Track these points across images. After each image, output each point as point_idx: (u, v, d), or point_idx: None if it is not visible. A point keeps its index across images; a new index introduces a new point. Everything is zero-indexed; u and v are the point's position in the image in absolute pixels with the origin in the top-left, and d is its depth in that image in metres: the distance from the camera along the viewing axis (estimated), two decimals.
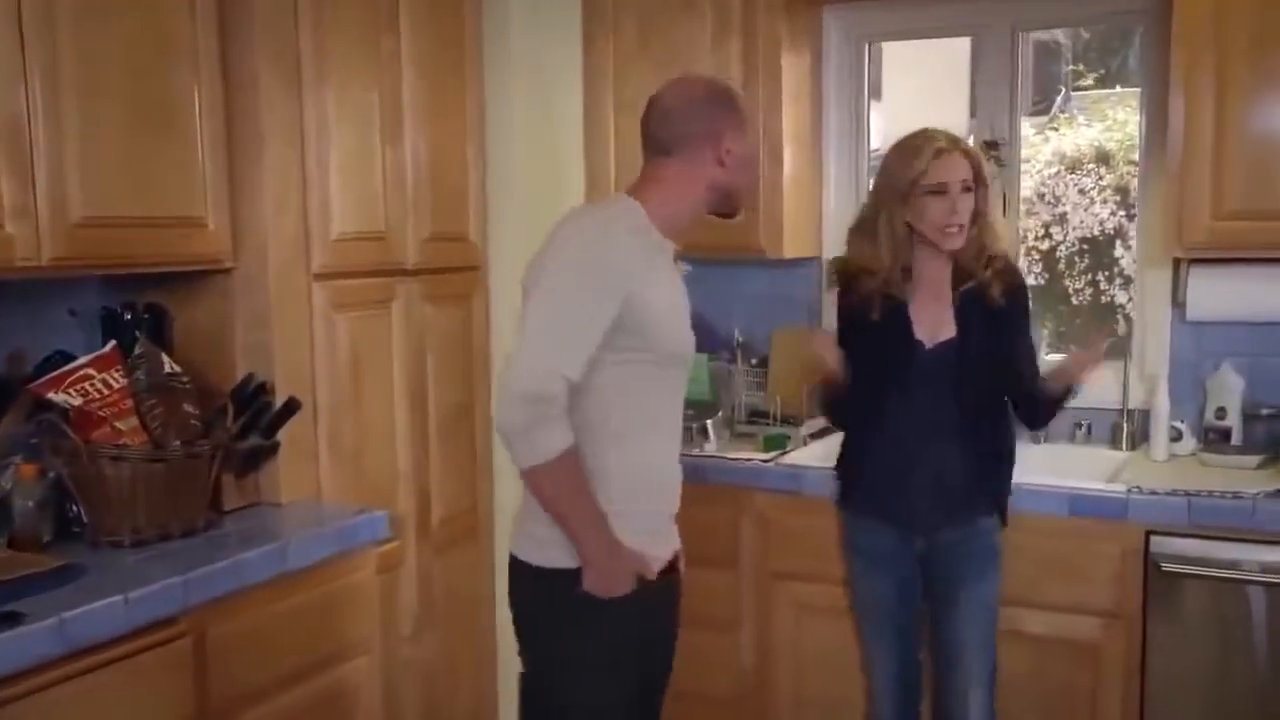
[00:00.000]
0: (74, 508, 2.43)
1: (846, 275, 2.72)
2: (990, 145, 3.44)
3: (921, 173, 2.53)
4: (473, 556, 3.30)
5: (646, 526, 2.19)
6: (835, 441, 2.97)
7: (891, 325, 2.64)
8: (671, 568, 2.29)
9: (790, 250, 3.48)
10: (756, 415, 3.51)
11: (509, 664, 2.56)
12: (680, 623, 2.40)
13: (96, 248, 2.31)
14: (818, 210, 3.68)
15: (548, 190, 3.43)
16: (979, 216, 2.59)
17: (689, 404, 3.53)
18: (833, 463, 2.87)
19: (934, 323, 2.64)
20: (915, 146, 2.56)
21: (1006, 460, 2.72)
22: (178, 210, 2.47)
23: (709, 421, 3.35)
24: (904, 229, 2.59)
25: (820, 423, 3.38)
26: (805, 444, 3.35)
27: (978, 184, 2.58)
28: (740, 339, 3.68)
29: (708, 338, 3.72)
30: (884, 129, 4.99)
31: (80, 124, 2.25)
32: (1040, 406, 2.74)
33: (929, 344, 2.63)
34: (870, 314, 2.65)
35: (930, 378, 2.63)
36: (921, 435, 2.64)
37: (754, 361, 3.65)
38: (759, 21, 3.35)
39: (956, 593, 2.69)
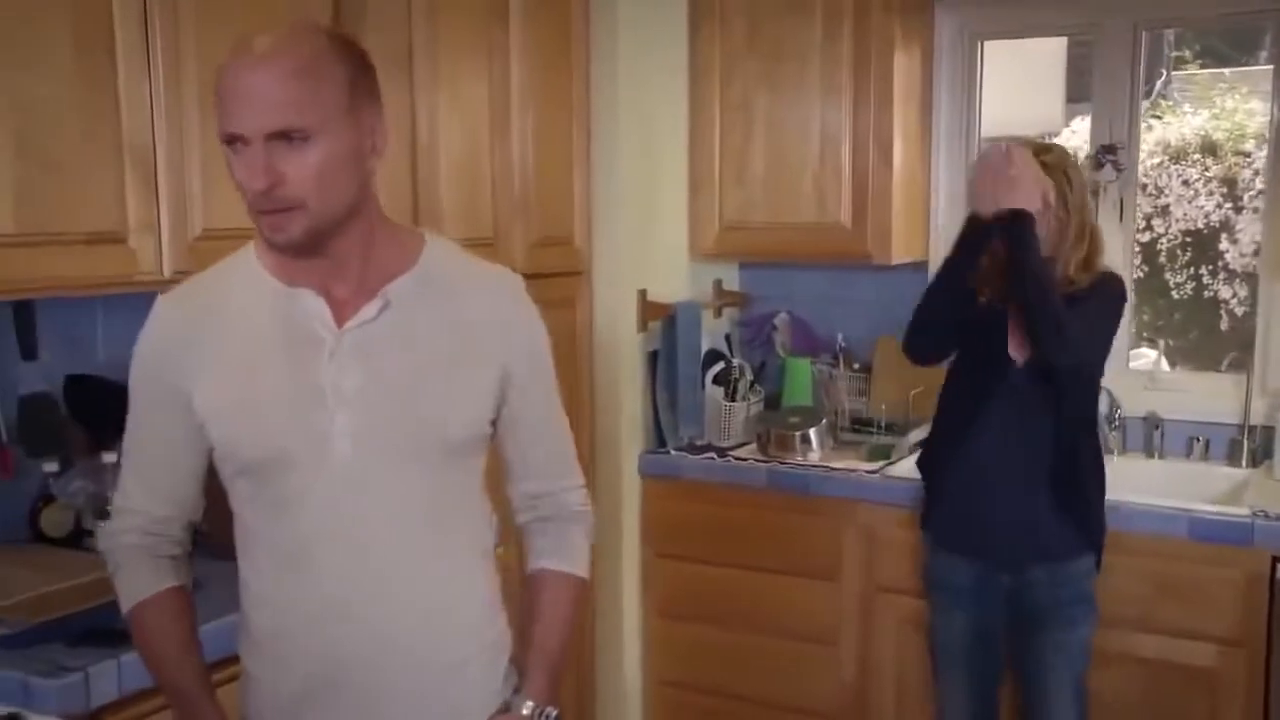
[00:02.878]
0: None
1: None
2: (1107, 150, 3.32)
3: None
4: None
5: (282, 697, 1.60)
6: None
7: (986, 339, 2.59)
8: None
9: (899, 255, 3.39)
10: (858, 422, 3.45)
11: None
12: None
13: (215, 260, 2.29)
14: (926, 213, 3.59)
15: (649, 191, 3.38)
16: (1064, 233, 2.50)
17: (792, 410, 3.51)
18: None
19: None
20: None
21: (1097, 496, 2.61)
22: None
23: (812, 429, 3.29)
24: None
25: (925, 433, 3.30)
26: (910, 453, 3.27)
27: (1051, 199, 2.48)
28: (843, 344, 3.61)
29: (807, 341, 3.66)
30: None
31: (201, 133, 2.24)
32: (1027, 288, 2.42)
33: (1020, 361, 2.55)
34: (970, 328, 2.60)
35: (1019, 399, 2.54)
36: (1007, 462, 2.56)
37: (856, 367, 3.59)
38: (872, 20, 3.26)
39: (1040, 638, 2.60)
